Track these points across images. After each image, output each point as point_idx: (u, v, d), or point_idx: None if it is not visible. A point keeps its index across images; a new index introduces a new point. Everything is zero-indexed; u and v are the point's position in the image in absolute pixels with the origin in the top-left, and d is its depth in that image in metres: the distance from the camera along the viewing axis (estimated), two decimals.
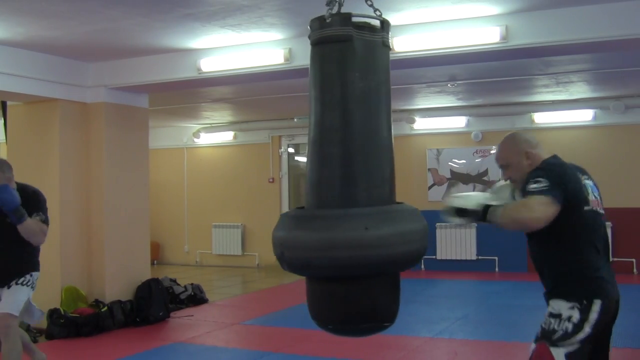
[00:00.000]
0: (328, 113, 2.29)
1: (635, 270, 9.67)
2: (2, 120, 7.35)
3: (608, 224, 10.32)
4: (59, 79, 6.53)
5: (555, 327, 2.58)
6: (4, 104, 7.01)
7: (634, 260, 9.69)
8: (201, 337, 6.33)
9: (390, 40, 2.44)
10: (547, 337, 2.60)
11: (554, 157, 2.84)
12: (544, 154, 2.81)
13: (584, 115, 9.91)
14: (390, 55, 5.37)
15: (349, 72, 2.27)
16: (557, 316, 2.59)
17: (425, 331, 6.31)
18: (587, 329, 2.58)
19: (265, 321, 7.08)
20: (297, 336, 6.23)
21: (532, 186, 2.56)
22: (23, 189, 4.22)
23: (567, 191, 2.59)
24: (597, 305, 2.60)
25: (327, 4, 2.34)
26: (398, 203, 2.43)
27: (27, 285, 4.21)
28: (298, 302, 8.13)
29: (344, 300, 2.29)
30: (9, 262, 4.18)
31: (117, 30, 5.51)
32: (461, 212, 2.71)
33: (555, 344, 2.57)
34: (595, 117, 9.91)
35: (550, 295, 2.69)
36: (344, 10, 2.35)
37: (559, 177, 2.62)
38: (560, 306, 2.60)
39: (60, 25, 5.34)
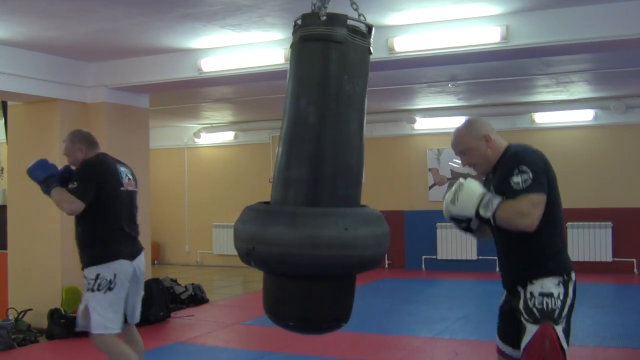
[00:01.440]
0: (309, 111, 2.29)
1: (635, 270, 9.66)
2: (3, 120, 7.35)
3: (608, 223, 10.41)
4: (59, 79, 6.53)
5: (552, 305, 2.61)
6: (4, 104, 7.02)
7: (634, 260, 9.68)
8: (202, 337, 6.33)
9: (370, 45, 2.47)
10: (549, 317, 2.60)
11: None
12: (504, 141, 2.85)
13: (585, 115, 9.91)
14: (390, 55, 5.43)
15: (339, 73, 2.28)
16: (549, 295, 2.62)
17: (426, 331, 6.31)
18: (569, 302, 2.65)
19: (265, 321, 7.02)
20: (298, 336, 6.20)
21: (517, 180, 2.58)
22: (86, 160, 3.93)
23: (549, 174, 2.68)
24: (574, 278, 2.69)
25: (319, 2, 2.33)
26: (362, 206, 2.43)
27: (88, 290, 3.86)
28: None
29: (310, 299, 2.28)
30: (77, 245, 3.96)
31: (117, 30, 5.51)
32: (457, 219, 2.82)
33: (557, 322, 2.60)
34: (595, 117, 9.91)
35: (530, 275, 2.69)
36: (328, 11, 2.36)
37: (541, 160, 2.67)
38: (550, 284, 2.64)
39: (60, 25, 5.35)
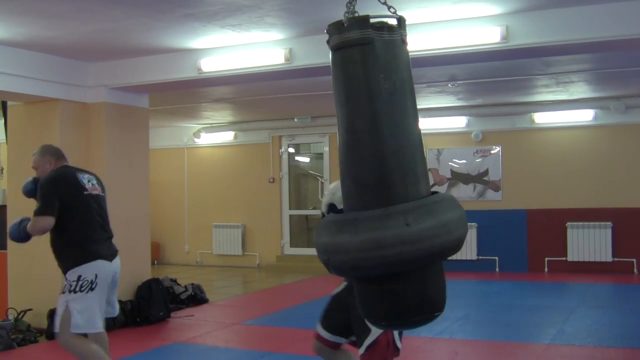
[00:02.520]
0: (357, 117, 2.32)
1: (635, 270, 9.66)
2: (3, 120, 7.35)
3: (608, 223, 10.43)
4: (59, 79, 6.53)
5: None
6: (4, 104, 7.02)
7: (634, 260, 9.68)
8: (201, 337, 6.33)
9: (406, 35, 2.42)
10: None
11: None
12: None
13: (585, 115, 9.92)
14: None
15: (373, 74, 2.29)
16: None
17: (425, 331, 6.30)
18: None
19: (265, 321, 7.08)
20: (297, 336, 6.23)
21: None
22: (44, 176, 4.14)
23: None
24: None
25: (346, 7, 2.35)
26: (433, 193, 2.42)
27: (65, 292, 4.01)
28: (298, 302, 8.13)
29: (393, 296, 2.32)
30: (55, 252, 4.18)
31: (117, 30, 5.51)
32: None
33: None
34: (595, 117, 9.91)
35: None
36: (357, 9, 2.36)
37: None
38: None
39: (60, 25, 5.35)
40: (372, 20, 2.30)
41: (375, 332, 2.98)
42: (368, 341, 2.98)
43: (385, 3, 2.45)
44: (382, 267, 2.21)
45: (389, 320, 2.40)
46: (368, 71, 2.28)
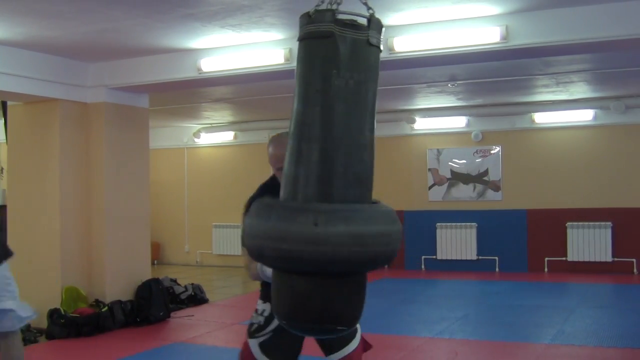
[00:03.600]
0: (306, 109, 2.26)
1: (635, 270, 9.66)
2: (2, 120, 7.35)
3: (608, 223, 10.44)
4: (59, 79, 6.53)
5: (253, 320, 3.10)
6: (4, 104, 7.01)
7: (634, 260, 9.68)
8: (201, 337, 6.33)
9: (378, 39, 2.34)
10: (247, 331, 3.15)
11: None
12: None
13: (584, 115, 9.92)
14: (390, 55, 5.37)
15: (327, 69, 2.23)
16: (255, 310, 3.12)
17: (426, 331, 6.31)
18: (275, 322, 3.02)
19: None
20: None
21: None
22: None
23: None
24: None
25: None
26: (373, 202, 2.31)
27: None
28: None
29: (297, 297, 2.23)
30: None
31: (117, 30, 5.51)
32: None
33: (251, 336, 3.13)
34: (595, 117, 9.91)
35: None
36: (343, 7, 2.33)
37: None
38: (258, 304, 3.13)
39: (60, 25, 5.35)
40: (339, 16, 2.24)
41: (356, 341, 2.97)
42: (350, 348, 2.98)
43: (365, 3, 2.41)
44: (284, 261, 2.13)
45: (290, 321, 2.29)
46: (322, 65, 2.23)
